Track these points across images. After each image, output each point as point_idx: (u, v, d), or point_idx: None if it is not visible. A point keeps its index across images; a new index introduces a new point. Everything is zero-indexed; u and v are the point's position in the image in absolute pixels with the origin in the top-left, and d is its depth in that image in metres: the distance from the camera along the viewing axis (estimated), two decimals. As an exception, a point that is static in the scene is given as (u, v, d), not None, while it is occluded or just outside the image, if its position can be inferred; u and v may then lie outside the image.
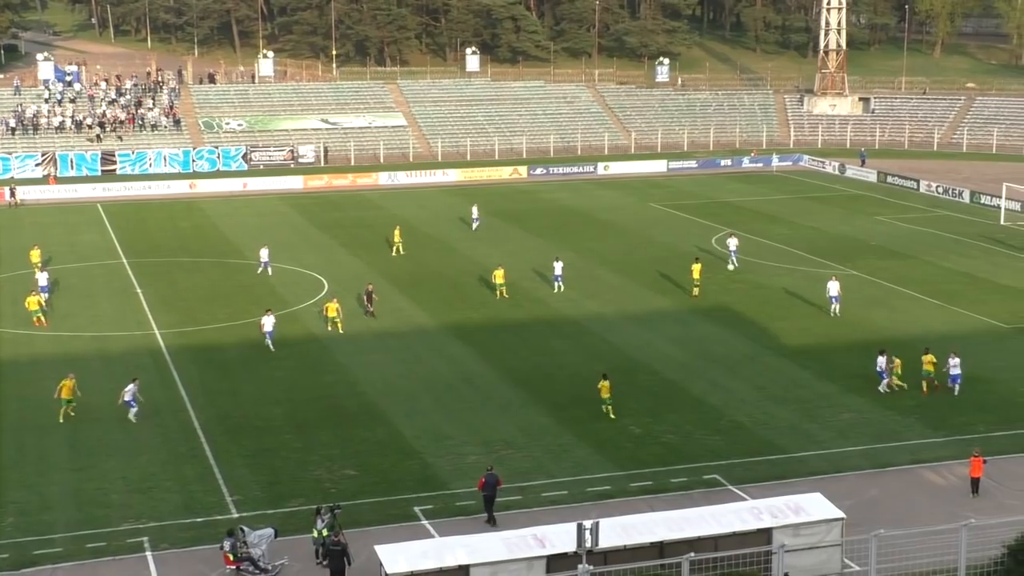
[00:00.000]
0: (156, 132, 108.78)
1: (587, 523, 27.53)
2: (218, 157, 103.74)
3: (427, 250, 71.80)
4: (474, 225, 77.56)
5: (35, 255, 65.26)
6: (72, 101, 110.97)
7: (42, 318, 55.22)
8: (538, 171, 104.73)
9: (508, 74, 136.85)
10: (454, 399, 45.38)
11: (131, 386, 43.09)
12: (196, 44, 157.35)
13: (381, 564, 28.46)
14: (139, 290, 61.81)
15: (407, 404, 44.69)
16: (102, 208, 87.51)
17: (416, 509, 35.61)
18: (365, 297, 56.86)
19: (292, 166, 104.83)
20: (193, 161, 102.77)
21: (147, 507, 35.62)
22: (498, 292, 59.79)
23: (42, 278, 59.08)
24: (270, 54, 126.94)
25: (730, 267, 65.07)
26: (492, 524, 34.20)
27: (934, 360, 45.24)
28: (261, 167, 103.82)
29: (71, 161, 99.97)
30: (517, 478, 37.77)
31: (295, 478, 37.89)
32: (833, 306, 56.44)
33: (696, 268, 60.42)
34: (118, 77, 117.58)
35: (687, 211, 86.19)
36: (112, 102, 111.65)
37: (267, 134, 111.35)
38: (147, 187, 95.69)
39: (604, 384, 43.05)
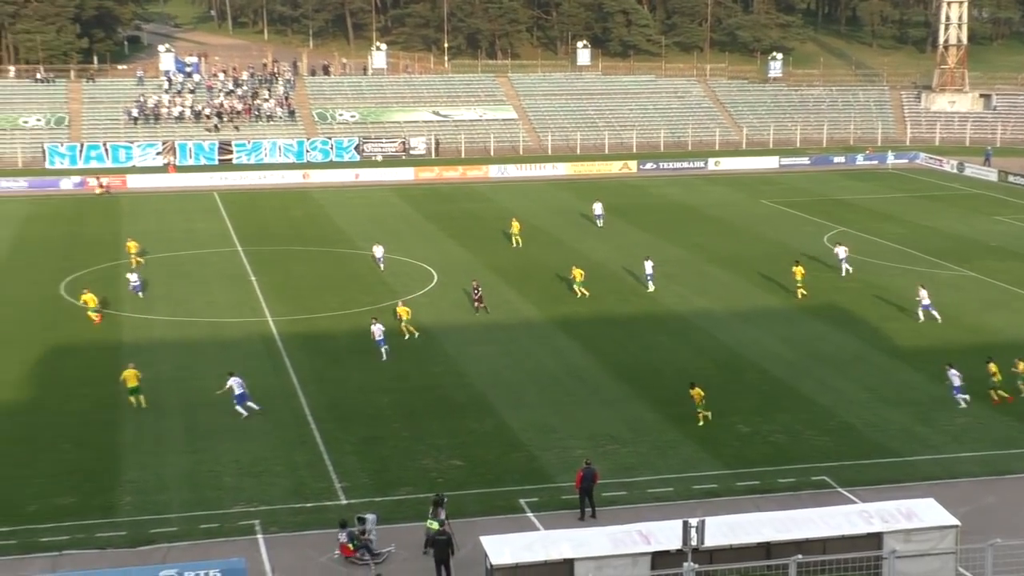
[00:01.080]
0: (271, 123, 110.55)
1: (693, 521, 27.36)
2: (331, 148, 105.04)
3: (535, 244, 71.87)
4: (599, 222, 77.07)
5: (132, 247, 66.01)
6: (192, 92, 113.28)
7: (92, 316, 54.42)
8: (648, 166, 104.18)
9: (619, 68, 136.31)
10: (561, 392, 45.39)
11: (232, 380, 43.08)
12: (311, 36, 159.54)
13: (486, 555, 28.61)
14: (253, 278, 62.89)
15: (514, 396, 44.83)
16: (219, 196, 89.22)
17: (521, 501, 35.71)
18: (473, 293, 57.04)
19: (403, 158, 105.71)
20: (307, 151, 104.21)
21: (258, 491, 36.26)
22: (577, 291, 59.40)
23: (133, 277, 59.10)
24: (383, 46, 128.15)
25: (843, 275, 63.49)
26: (582, 519, 34.12)
27: (998, 370, 43.85)
28: (373, 158, 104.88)
29: (190, 150, 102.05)
30: (622, 473, 37.69)
31: (402, 467, 38.25)
32: (921, 312, 54.98)
33: (798, 271, 59.49)
34: (235, 68, 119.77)
35: (799, 208, 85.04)
36: (230, 93, 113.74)
37: (379, 126, 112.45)
38: (262, 176, 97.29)
39: (695, 392, 42.13)
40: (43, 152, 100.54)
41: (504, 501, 35.79)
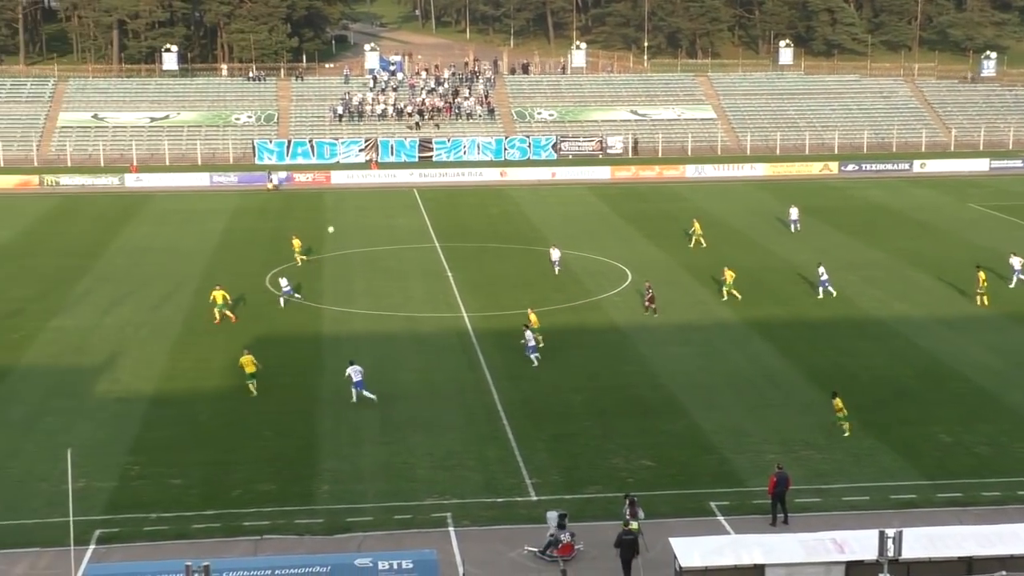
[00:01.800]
0: (471, 121, 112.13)
1: (890, 531, 26.58)
2: (529, 146, 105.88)
3: (731, 244, 70.97)
4: (792, 227, 75.57)
5: (296, 244, 66.76)
6: (395, 90, 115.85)
7: (218, 314, 54.15)
8: (850, 167, 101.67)
9: (822, 67, 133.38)
10: (755, 396, 44.73)
11: (351, 369, 44.05)
12: (512, 35, 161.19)
13: (675, 557, 28.42)
14: (450, 273, 63.90)
15: (707, 398, 44.38)
16: (418, 193, 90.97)
17: (712, 504, 35.34)
18: (645, 293, 56.44)
19: (600, 157, 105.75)
20: (505, 150, 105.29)
21: (450, 484, 36.82)
22: (725, 293, 58.16)
23: (283, 282, 58.17)
24: (583, 45, 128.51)
25: (1011, 286, 60.44)
26: (773, 525, 33.53)
27: None
28: (570, 157, 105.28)
29: (391, 147, 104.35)
30: (816, 480, 36.92)
31: (593, 465, 38.29)
32: None
33: (981, 276, 57.01)
34: (437, 67, 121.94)
35: (1010, 212, 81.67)
36: (431, 91, 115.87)
37: (577, 124, 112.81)
38: (460, 174, 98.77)
39: (837, 401, 40.49)
40: (253, 148, 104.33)
41: (694, 503, 35.48)
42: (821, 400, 43.89)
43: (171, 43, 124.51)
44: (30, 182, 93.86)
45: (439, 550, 29.89)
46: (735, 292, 58.05)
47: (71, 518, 28.80)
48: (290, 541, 33.01)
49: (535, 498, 35.80)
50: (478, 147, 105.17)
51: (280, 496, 35.99)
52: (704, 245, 69.83)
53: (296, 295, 57.89)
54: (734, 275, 58.62)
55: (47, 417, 42.54)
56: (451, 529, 33.81)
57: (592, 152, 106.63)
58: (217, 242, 72.62)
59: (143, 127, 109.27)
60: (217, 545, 32.55)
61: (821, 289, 58.62)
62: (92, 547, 32.50)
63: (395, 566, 27.45)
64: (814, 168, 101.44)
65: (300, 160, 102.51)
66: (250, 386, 44.91)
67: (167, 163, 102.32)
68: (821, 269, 59.33)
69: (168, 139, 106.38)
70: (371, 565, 27.54)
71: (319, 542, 32.87)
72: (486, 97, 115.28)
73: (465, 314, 56.02)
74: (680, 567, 28.16)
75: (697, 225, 71.39)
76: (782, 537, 29.75)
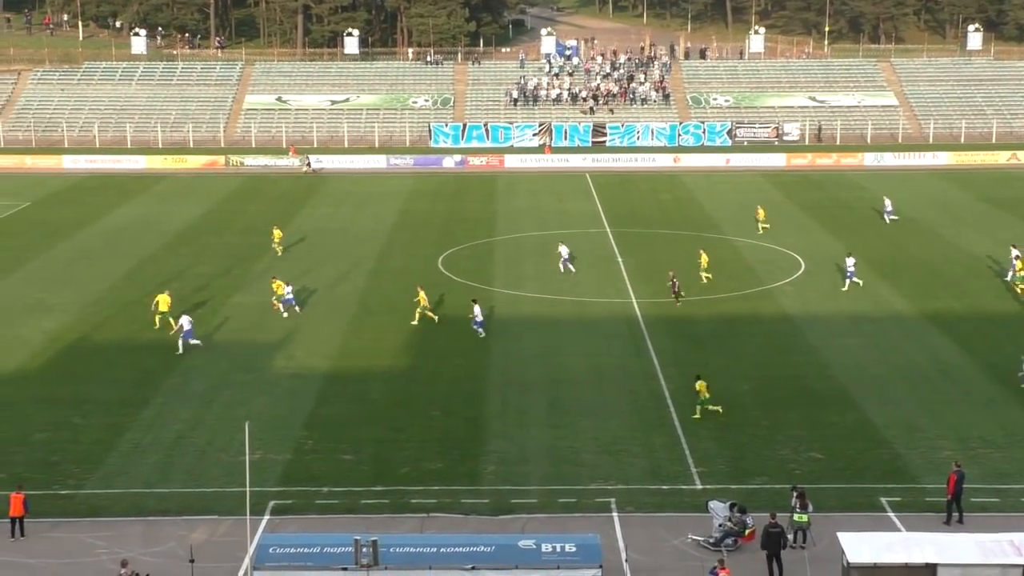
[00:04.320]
0: (645, 106, 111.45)
1: (1072, 537, 25.56)
2: (703, 132, 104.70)
3: (911, 235, 69.04)
4: (886, 219, 72.62)
5: (277, 235, 65.75)
6: (570, 74, 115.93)
7: (277, 305, 53.33)
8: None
9: (1013, 53, 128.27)
10: (930, 390, 43.44)
11: (184, 319, 48.55)
12: (689, 20, 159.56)
13: (843, 552, 27.84)
14: (620, 259, 63.74)
15: (879, 392, 43.29)
16: (590, 178, 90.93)
17: (882, 500, 34.50)
18: (671, 284, 55.27)
19: (776, 143, 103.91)
20: (679, 135, 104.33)
21: (615, 469, 36.80)
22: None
23: (288, 290, 53.73)
24: (761, 30, 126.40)
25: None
26: (947, 524, 32.51)
27: None
28: (745, 143, 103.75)
29: (565, 132, 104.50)
30: (994, 479, 35.71)
31: (760, 456, 37.77)
32: None
33: None
34: (613, 52, 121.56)
35: None
36: (606, 76, 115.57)
37: (753, 111, 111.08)
38: (633, 159, 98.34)
39: (700, 384, 40.85)
40: (429, 131, 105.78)
41: (864, 498, 34.69)
42: (1002, 397, 42.44)
43: (353, 27, 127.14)
44: (217, 162, 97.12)
45: (602, 535, 29.93)
46: (707, 275, 57.90)
47: (247, 488, 29.73)
48: (456, 520, 33.47)
49: (700, 487, 35.51)
50: (652, 132, 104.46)
51: (447, 475, 36.52)
52: (763, 230, 69.29)
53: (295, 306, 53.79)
54: (708, 258, 58.76)
55: (227, 390, 44.04)
56: (615, 514, 33.79)
57: (768, 139, 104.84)
58: (392, 223, 73.92)
59: (324, 110, 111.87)
60: (385, 521, 33.23)
61: (847, 281, 57.02)
62: (266, 517, 33.55)
63: (558, 549, 27.60)
64: (1001, 157, 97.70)
65: (475, 143, 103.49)
66: (157, 323, 50.24)
67: (346, 145, 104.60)
68: (850, 260, 57.65)
69: (347, 122, 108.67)
70: (534, 547, 27.74)
71: (484, 522, 33.23)
72: (661, 82, 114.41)
73: (634, 300, 55.81)
74: (848, 563, 27.57)
75: (761, 211, 70.84)
76: (957, 536, 28.85)
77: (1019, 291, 55.51)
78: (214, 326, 51.86)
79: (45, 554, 31.77)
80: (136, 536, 32.71)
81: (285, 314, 52.89)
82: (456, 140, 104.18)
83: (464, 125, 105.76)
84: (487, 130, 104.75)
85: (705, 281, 57.58)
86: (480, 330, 49.99)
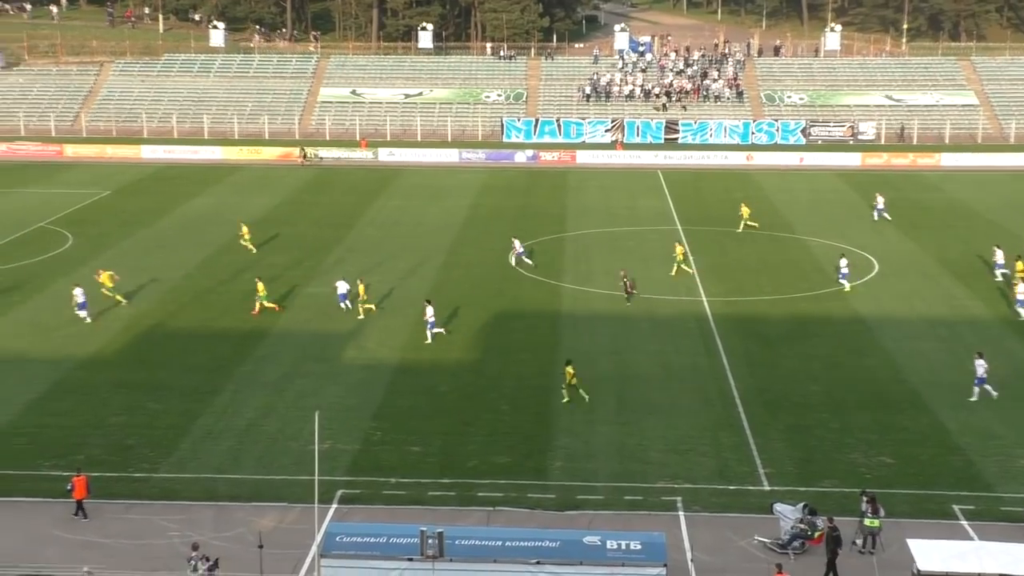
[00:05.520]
0: (718, 103, 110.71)
1: None
2: (777, 130, 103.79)
3: (988, 238, 67.86)
4: (875, 215, 72.08)
5: (245, 231, 65.21)
6: (643, 71, 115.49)
7: (263, 306, 52.59)
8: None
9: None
10: (1007, 397, 42.64)
11: (76, 290, 50.94)
12: (764, 17, 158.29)
13: (913, 560, 27.48)
14: (691, 257, 63.37)
15: (953, 397, 42.64)
16: (662, 175, 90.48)
17: (955, 507, 34.02)
18: (621, 283, 55.20)
19: (851, 143, 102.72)
20: (752, 133, 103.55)
21: (682, 468, 36.65)
22: (674, 269, 58.55)
23: (341, 286, 53.54)
24: (837, 27, 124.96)
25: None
26: None
27: None
28: (820, 142, 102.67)
29: (637, 128, 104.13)
30: (1072, 490, 35.07)
31: (829, 459, 37.40)
32: None
33: None
34: (687, 48, 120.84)
35: None
36: (679, 72, 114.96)
37: (828, 109, 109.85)
38: (705, 157, 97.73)
39: (568, 370, 41.86)
40: (501, 126, 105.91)
41: (935, 505, 34.24)
42: (1079, 405, 41.62)
43: (427, 22, 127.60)
44: (291, 154, 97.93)
45: (668, 533, 29.82)
46: (685, 267, 58.64)
47: (316, 477, 30.00)
48: (522, 514, 33.53)
49: (768, 488, 35.26)
50: (725, 130, 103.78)
51: (514, 469, 36.59)
52: (747, 229, 68.76)
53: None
54: (683, 249, 59.61)
55: (299, 379, 44.48)
56: (681, 513, 33.67)
57: (843, 138, 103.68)
58: (463, 218, 74.11)
59: (397, 103, 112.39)
60: (451, 513, 33.39)
61: (844, 281, 56.68)
62: (334, 506, 33.86)
63: (623, 546, 27.54)
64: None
65: (547, 139, 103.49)
66: (107, 295, 53.17)
67: (418, 139, 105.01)
68: (843, 260, 57.43)
69: (420, 115, 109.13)
70: (600, 544, 27.70)
71: (550, 517, 33.26)
72: (735, 79, 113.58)
73: (704, 298, 55.50)
74: (918, 570, 27.20)
75: (745, 209, 70.45)
76: (1032, 547, 28.35)
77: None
78: (286, 316, 52.33)
79: (120, 535, 32.37)
80: (207, 520, 33.18)
81: (278, 310, 52.86)
82: (528, 135, 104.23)
83: (536, 120, 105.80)
84: (559, 125, 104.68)
85: (675, 275, 58.51)
86: (430, 333, 48.97)
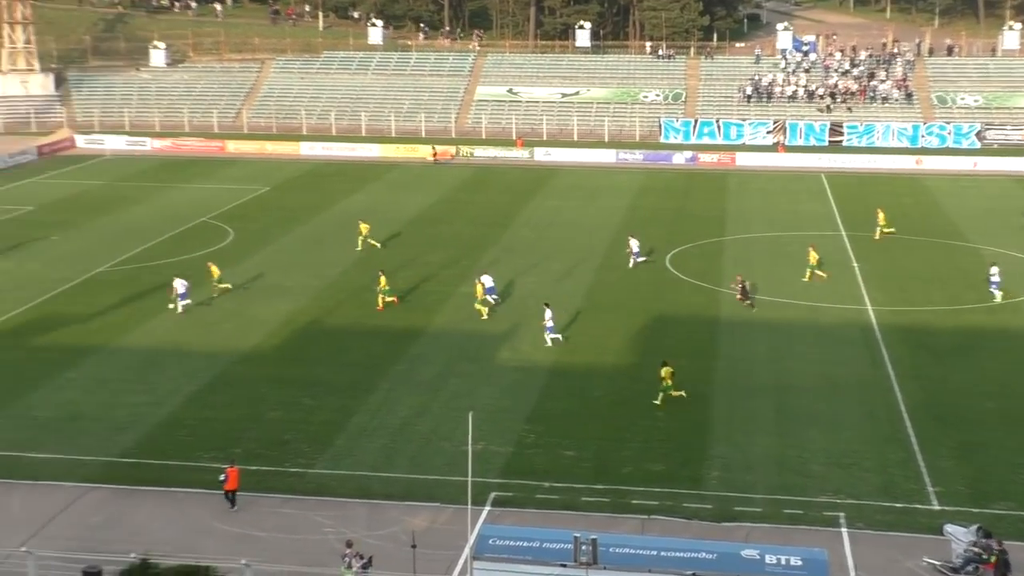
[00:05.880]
0: (886, 105, 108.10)
1: None
2: (949, 134, 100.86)
3: None
4: None
5: (364, 228, 65.87)
6: (806, 71, 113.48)
7: (384, 300, 53.96)
8: None
9: None
10: None
11: (177, 281, 52.93)
12: (936, 15, 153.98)
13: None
14: (855, 264, 62.03)
15: None
16: (826, 179, 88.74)
17: None
18: (737, 290, 54.46)
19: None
20: (922, 136, 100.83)
21: (845, 483, 35.84)
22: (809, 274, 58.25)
23: (487, 280, 54.13)
24: (1017, 26, 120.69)
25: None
26: None
27: None
28: (995, 146, 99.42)
29: (800, 130, 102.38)
30: None
31: (1005, 479, 36.12)
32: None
33: None
34: (853, 48, 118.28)
35: None
36: (845, 73, 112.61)
37: (1005, 111, 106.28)
38: (872, 160, 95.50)
39: (666, 370, 41.82)
40: (659, 126, 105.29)
41: (1118, 532, 32.78)
42: None
43: (585, 20, 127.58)
44: (448, 152, 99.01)
45: (829, 550, 29.13)
46: (820, 273, 58.21)
47: (469, 478, 30.16)
48: (677, 524, 33.21)
49: (937, 507, 34.23)
50: (893, 133, 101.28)
51: (669, 478, 36.28)
52: (882, 234, 67.03)
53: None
54: (817, 255, 58.74)
55: (452, 379, 44.87)
56: (844, 530, 32.92)
57: (1021, 142, 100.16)
58: (620, 219, 73.83)
59: (554, 102, 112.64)
60: (605, 520, 33.24)
61: (996, 291, 55.34)
62: (487, 508, 34.02)
63: (783, 561, 26.94)
64: None
65: (706, 140, 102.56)
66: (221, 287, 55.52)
67: (575, 138, 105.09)
68: (994, 269, 56.26)
69: (577, 115, 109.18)
70: (758, 558, 27.17)
71: (706, 528, 32.87)
72: (904, 80, 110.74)
73: (870, 307, 54.22)
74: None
75: (881, 215, 68.37)
76: None
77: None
78: (441, 315, 52.86)
79: (275, 528, 33.08)
80: (361, 518, 33.69)
81: (396, 303, 54.03)
82: (687, 136, 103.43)
83: (695, 121, 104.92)
84: (719, 127, 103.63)
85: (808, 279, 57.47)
86: (548, 337, 48.85)
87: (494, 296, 53.97)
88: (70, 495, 35.13)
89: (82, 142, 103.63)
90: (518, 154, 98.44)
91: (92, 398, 42.94)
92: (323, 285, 58.14)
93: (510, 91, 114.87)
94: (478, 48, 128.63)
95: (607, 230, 70.30)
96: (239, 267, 61.14)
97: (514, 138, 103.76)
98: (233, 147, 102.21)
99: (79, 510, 34.31)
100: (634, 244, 61.94)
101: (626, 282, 58.51)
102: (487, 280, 54.14)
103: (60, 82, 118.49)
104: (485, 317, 52.25)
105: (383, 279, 54.41)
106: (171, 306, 53.26)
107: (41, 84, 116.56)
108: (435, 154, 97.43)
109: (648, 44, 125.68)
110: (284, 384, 44.49)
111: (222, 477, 34.24)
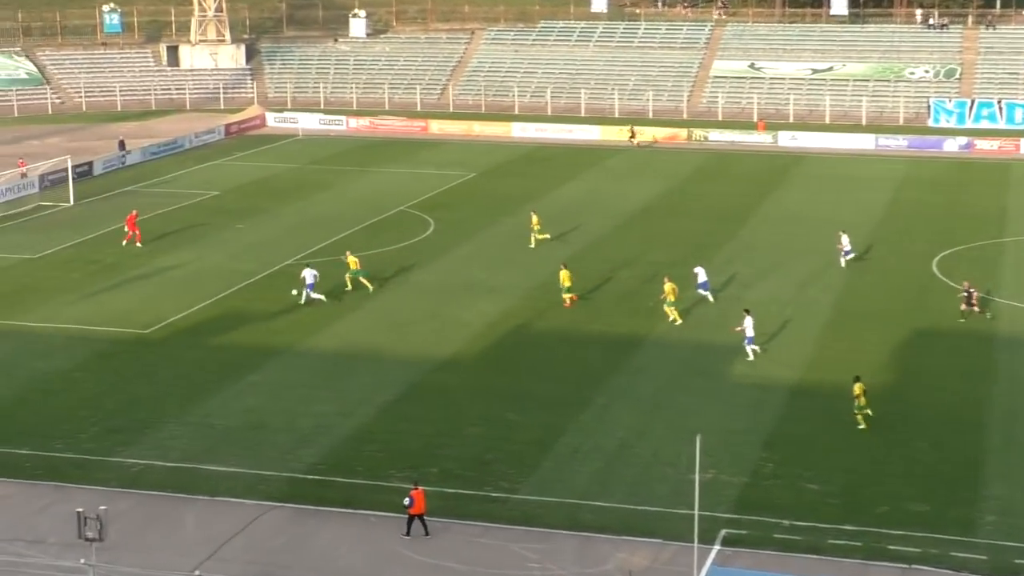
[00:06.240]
0: None
1: None
2: None
3: None
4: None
5: (535, 221, 65.09)
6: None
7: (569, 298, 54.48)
8: None
9: None
10: None
11: (306, 271, 54.87)
12: None
13: None
14: None
15: None
16: None
17: None
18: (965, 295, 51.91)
19: None
20: None
21: None
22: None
23: (701, 274, 54.95)
24: None
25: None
26: None
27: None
28: None
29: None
30: None
31: None
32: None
33: None
34: None
35: None
36: None
37: None
38: None
39: (858, 387, 40.94)
40: (928, 108, 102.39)
41: None
42: None
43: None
44: (677, 135, 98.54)
45: None
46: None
47: (696, 512, 29.66)
48: (944, 576, 31.98)
49: None
50: None
51: (934, 520, 34.95)
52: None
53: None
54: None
55: (677, 396, 44.35)
56: None
57: None
58: (879, 215, 72.11)
59: (802, 79, 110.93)
60: (856, 568, 32.28)
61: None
62: (716, 547, 33.34)
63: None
64: None
65: (984, 124, 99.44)
66: (347, 281, 56.34)
67: (827, 121, 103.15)
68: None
69: (830, 94, 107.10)
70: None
71: (979, 582, 31.58)
72: None
73: None
74: None
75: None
76: None
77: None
78: (666, 322, 52.25)
79: (474, 561, 33.06)
80: (571, 552, 33.46)
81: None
82: (961, 120, 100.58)
83: (972, 102, 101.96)
84: (1000, 109, 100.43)
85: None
86: (749, 349, 47.71)
87: (706, 291, 53.78)
88: (249, 513, 35.93)
89: (273, 120, 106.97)
90: (759, 139, 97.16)
91: (275, 406, 43.97)
92: (534, 284, 58.26)
93: (752, 66, 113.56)
94: (718, 17, 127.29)
95: (863, 228, 68.36)
96: (439, 262, 61.89)
97: (755, 120, 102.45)
98: (437, 128, 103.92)
99: (259, 530, 35.06)
100: (845, 240, 60.87)
101: (883, 288, 56.89)
102: (700, 273, 53.95)
103: (252, 55, 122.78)
104: (679, 321, 51.72)
105: (564, 273, 54.63)
106: (294, 292, 54.94)
107: (232, 56, 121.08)
108: (632, 135, 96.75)
109: (919, 12, 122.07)
110: (487, 396, 44.71)
111: (407, 501, 34.03)
